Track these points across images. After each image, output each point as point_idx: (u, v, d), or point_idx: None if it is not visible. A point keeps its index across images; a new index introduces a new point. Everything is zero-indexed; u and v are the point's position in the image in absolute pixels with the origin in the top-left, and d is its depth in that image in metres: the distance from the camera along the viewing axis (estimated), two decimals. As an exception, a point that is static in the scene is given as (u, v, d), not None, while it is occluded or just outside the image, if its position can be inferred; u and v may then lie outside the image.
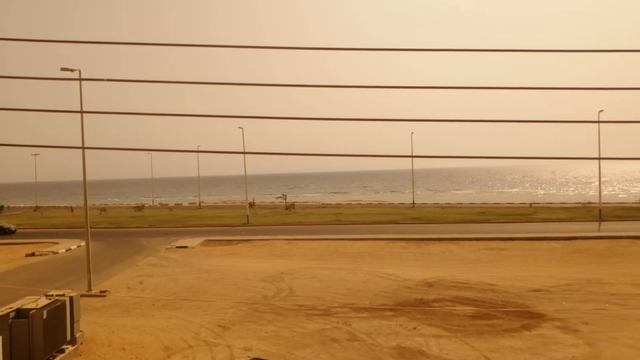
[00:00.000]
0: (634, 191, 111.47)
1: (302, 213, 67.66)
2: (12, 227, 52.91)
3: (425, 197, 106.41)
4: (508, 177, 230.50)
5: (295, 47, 6.97)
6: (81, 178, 25.59)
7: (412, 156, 7.70)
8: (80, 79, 12.94)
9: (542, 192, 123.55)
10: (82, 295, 20.48)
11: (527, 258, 31.19)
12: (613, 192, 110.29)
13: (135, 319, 19.84)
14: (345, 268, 29.05)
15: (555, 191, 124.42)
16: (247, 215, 58.91)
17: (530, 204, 71.21)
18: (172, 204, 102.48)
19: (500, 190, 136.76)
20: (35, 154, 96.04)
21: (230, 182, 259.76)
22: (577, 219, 50.96)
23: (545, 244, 35.81)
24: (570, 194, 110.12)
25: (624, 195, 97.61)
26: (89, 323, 18.73)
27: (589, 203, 66.95)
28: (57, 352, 15.05)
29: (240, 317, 19.68)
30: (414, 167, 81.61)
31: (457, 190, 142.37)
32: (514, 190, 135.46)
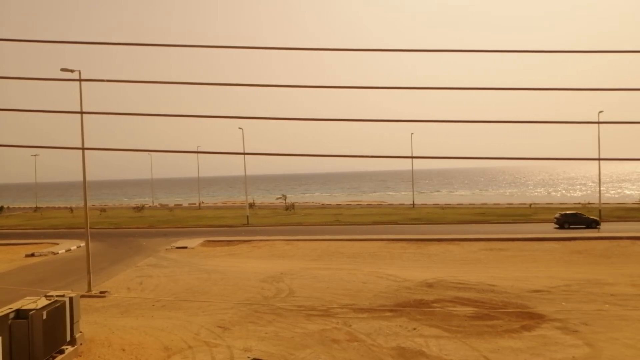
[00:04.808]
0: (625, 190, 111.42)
1: (302, 214, 67.67)
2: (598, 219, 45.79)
3: (425, 197, 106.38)
4: (507, 178, 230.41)
5: (295, 48, 6.97)
6: (81, 178, 25.59)
7: (412, 157, 7.70)
8: (80, 80, 12.93)
9: (542, 192, 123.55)
10: (82, 296, 20.46)
11: (527, 258, 31.19)
12: (613, 192, 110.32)
13: (135, 320, 19.83)
14: (345, 268, 29.04)
15: (558, 193, 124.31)
16: (247, 216, 58.92)
17: (530, 204, 71.24)
18: (172, 204, 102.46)
19: (500, 190, 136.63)
20: (35, 155, 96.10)
21: (230, 182, 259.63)
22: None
23: (545, 244, 35.81)
24: (571, 195, 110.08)
25: (617, 196, 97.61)
26: (89, 323, 18.72)
27: (589, 204, 66.91)
28: (57, 352, 15.03)
29: (240, 317, 19.67)
30: (414, 168, 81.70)
31: (462, 191, 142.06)
32: (514, 190, 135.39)
